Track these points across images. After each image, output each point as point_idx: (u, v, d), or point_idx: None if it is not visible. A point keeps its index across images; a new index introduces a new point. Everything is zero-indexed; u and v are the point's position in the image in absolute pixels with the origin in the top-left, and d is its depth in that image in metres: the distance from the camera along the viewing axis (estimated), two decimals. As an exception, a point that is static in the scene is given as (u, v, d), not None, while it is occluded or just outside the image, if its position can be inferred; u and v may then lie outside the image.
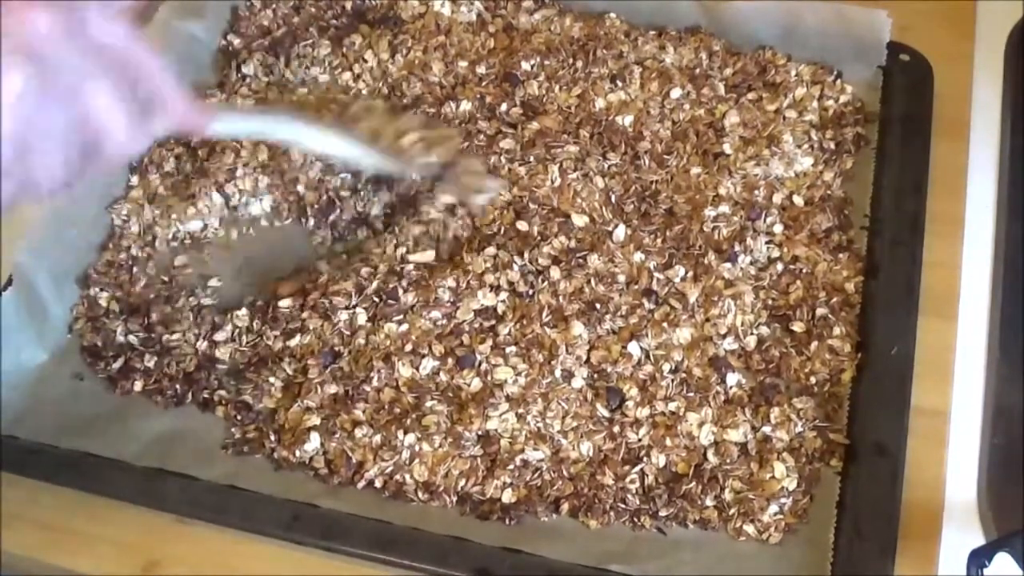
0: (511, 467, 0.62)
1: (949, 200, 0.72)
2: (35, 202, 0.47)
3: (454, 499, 0.62)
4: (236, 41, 0.82)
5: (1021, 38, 0.77)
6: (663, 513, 0.61)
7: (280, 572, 0.61)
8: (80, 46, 0.44)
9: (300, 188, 0.74)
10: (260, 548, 0.61)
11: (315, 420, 0.64)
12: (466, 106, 0.77)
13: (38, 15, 0.43)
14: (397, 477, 0.62)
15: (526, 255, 0.69)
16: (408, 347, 0.66)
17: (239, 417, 0.66)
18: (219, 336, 0.68)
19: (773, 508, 0.61)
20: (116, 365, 0.68)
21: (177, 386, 0.67)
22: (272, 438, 0.64)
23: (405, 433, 0.63)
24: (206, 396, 0.67)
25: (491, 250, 0.69)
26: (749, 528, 0.61)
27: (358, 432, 0.63)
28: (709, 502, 0.61)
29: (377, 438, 0.63)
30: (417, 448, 0.63)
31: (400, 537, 0.60)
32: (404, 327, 0.67)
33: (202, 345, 0.68)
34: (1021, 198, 0.72)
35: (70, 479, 0.63)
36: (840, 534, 0.59)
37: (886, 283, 0.68)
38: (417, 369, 0.65)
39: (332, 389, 0.65)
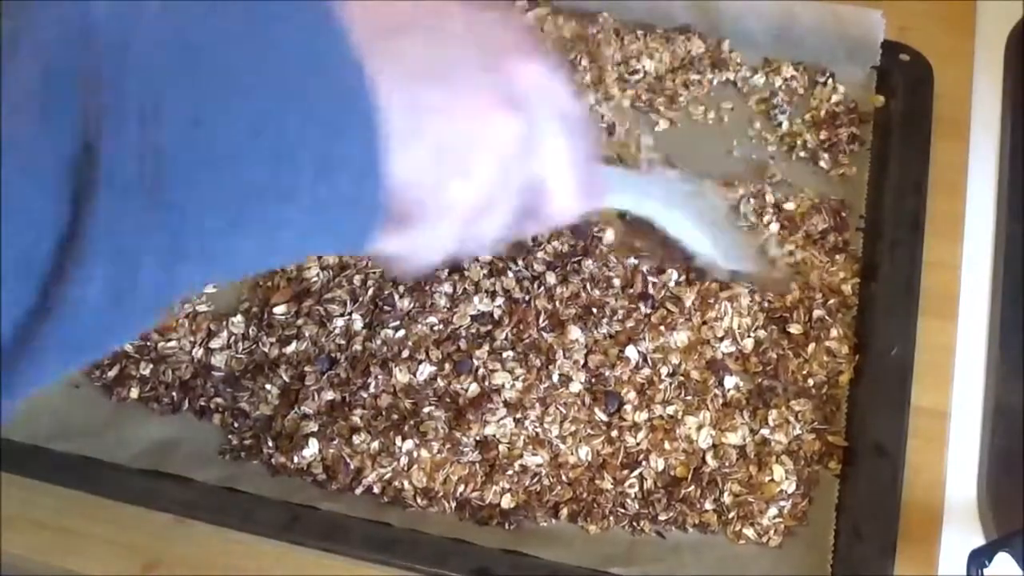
0: (510, 472, 0.62)
1: (949, 200, 0.71)
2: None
3: (453, 505, 0.62)
4: None
5: (1021, 38, 0.77)
6: (662, 517, 0.61)
7: (280, 572, 0.61)
8: (551, 104, 0.42)
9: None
10: (260, 548, 0.61)
11: (313, 427, 0.64)
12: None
13: (533, 69, 0.41)
14: (395, 483, 0.62)
15: (520, 261, 0.69)
16: (405, 353, 0.66)
17: (236, 424, 0.65)
18: (215, 343, 0.68)
19: (772, 511, 0.61)
20: (112, 373, 0.67)
21: (173, 393, 0.66)
22: (269, 444, 0.64)
23: (403, 439, 0.63)
24: (203, 404, 0.66)
25: (486, 256, 0.69)
26: (748, 531, 0.60)
27: (356, 438, 0.63)
28: (708, 505, 0.61)
29: (375, 444, 0.63)
30: (415, 454, 0.63)
31: (400, 538, 0.60)
32: (401, 333, 0.67)
33: (198, 352, 0.68)
34: (1021, 198, 0.71)
35: (70, 479, 0.63)
36: (840, 535, 0.59)
37: (885, 283, 0.67)
38: (414, 375, 0.65)
39: (329, 396, 0.65)
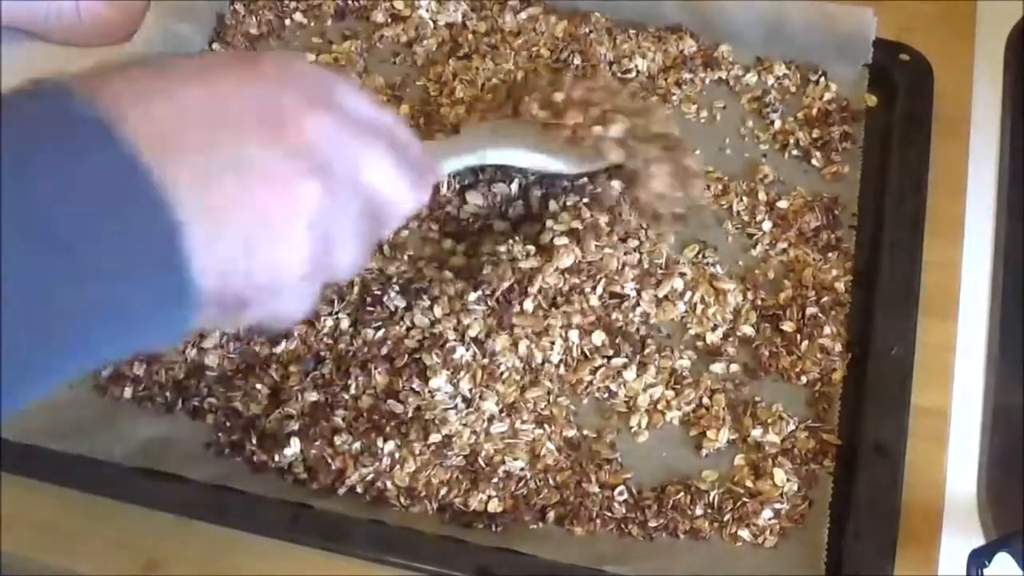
0: (495, 480, 0.62)
1: (949, 200, 0.71)
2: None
3: (435, 506, 0.62)
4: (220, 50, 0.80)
5: (1021, 38, 0.76)
6: (652, 524, 0.61)
7: (280, 572, 0.61)
8: (349, 130, 0.43)
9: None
10: (260, 548, 0.61)
11: (294, 426, 0.64)
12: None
13: (316, 119, 0.42)
14: (378, 483, 0.62)
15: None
16: (384, 351, 0.66)
17: (228, 424, 0.65)
18: (207, 343, 0.68)
19: (768, 512, 0.60)
20: (106, 372, 0.67)
21: (167, 393, 0.66)
22: (253, 442, 0.64)
23: (385, 440, 0.63)
24: (196, 403, 0.66)
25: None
26: (744, 533, 0.60)
27: (337, 439, 0.63)
28: (699, 511, 0.61)
29: (357, 445, 0.63)
30: (397, 455, 0.62)
31: (402, 537, 0.60)
32: (381, 333, 0.66)
33: (191, 352, 0.68)
34: (1021, 198, 0.71)
35: (69, 479, 0.63)
36: (839, 535, 0.59)
37: (885, 283, 0.67)
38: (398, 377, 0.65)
39: (313, 396, 0.65)
